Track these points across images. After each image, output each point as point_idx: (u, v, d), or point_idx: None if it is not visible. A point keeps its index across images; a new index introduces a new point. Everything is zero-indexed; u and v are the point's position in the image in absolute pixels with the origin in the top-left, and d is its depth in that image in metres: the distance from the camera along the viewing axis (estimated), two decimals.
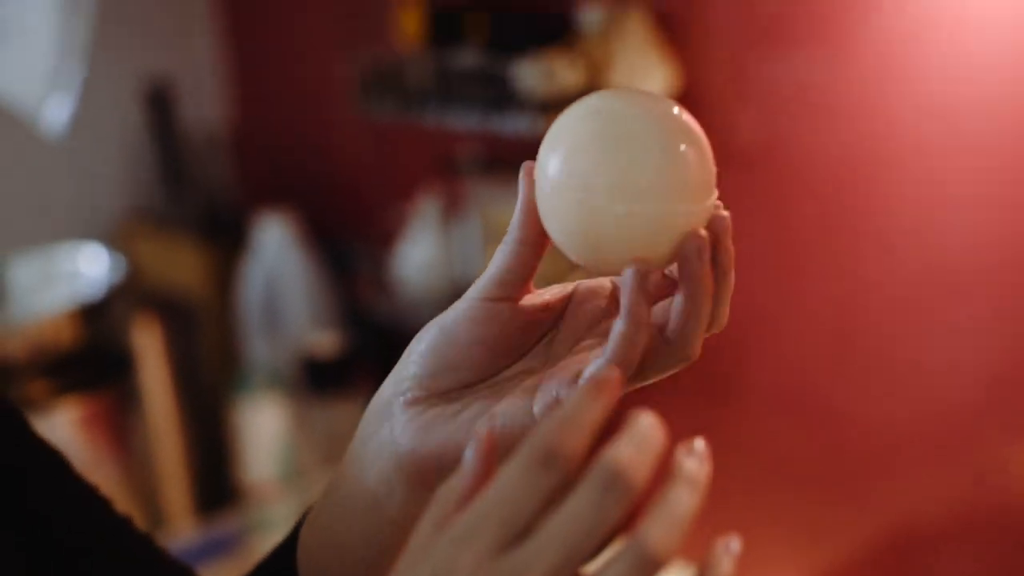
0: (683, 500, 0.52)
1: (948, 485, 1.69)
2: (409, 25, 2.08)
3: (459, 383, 0.66)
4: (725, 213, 0.63)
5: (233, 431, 2.46)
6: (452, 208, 2.19)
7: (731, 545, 0.55)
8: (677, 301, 0.62)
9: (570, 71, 1.78)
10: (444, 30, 2.05)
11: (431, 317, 0.68)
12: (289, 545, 0.77)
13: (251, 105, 2.85)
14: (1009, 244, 1.55)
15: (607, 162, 0.60)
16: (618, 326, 0.60)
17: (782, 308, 1.82)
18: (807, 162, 1.73)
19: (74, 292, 2.29)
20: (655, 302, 0.65)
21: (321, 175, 2.66)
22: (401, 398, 0.66)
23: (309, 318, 2.49)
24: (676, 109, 0.63)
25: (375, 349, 2.45)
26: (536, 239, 0.64)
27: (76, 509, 0.80)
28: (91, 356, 2.28)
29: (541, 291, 0.68)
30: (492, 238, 2.00)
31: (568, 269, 0.67)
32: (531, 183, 0.63)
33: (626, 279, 0.60)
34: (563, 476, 0.51)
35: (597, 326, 0.67)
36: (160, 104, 2.66)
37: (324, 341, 2.41)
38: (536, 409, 0.62)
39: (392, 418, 0.67)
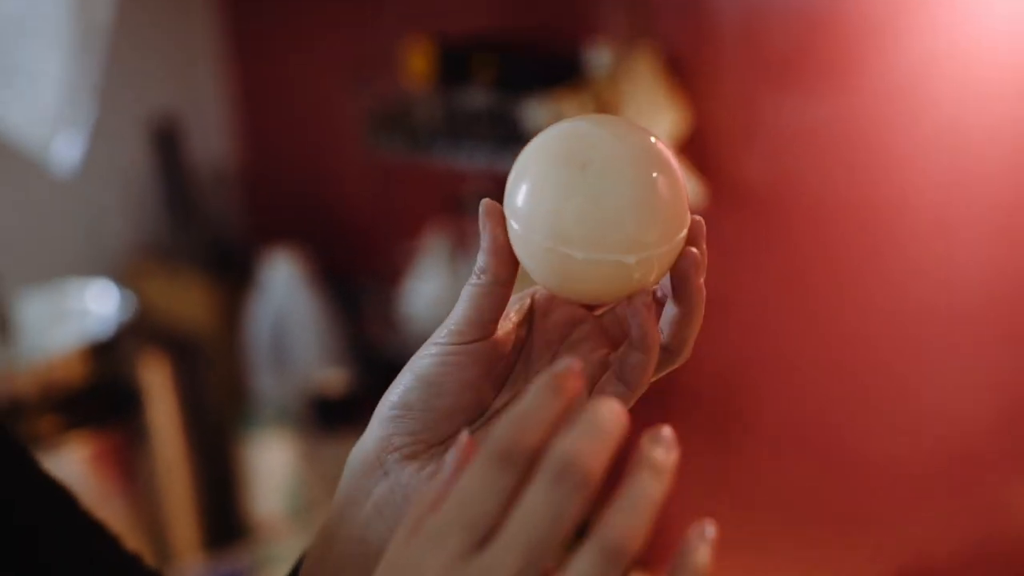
0: (647, 488, 0.51)
1: (960, 524, 1.69)
2: (418, 64, 2.09)
3: (455, 429, 0.65)
4: (694, 250, 0.63)
5: (241, 467, 2.46)
6: (460, 246, 2.20)
7: (706, 531, 0.53)
8: (670, 312, 0.65)
9: (579, 112, 1.79)
10: (452, 70, 2.06)
11: None
12: None
13: (259, 142, 2.86)
14: (1020, 280, 1.56)
15: (576, 211, 0.59)
16: (636, 357, 0.62)
17: (791, 347, 1.83)
18: (816, 201, 1.74)
19: (83, 329, 2.30)
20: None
21: (329, 212, 2.67)
22: (396, 454, 0.65)
23: (317, 355, 2.49)
24: (650, 138, 0.62)
25: (383, 386, 2.43)
26: (509, 276, 0.64)
27: (85, 547, 0.80)
28: (100, 393, 2.28)
29: (506, 313, 0.67)
30: None
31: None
32: (495, 220, 0.63)
33: (636, 312, 0.62)
34: (520, 474, 0.51)
35: (569, 335, 0.68)
36: (168, 141, 2.67)
37: (332, 378, 2.42)
38: None
39: (389, 476, 0.65)
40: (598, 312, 0.68)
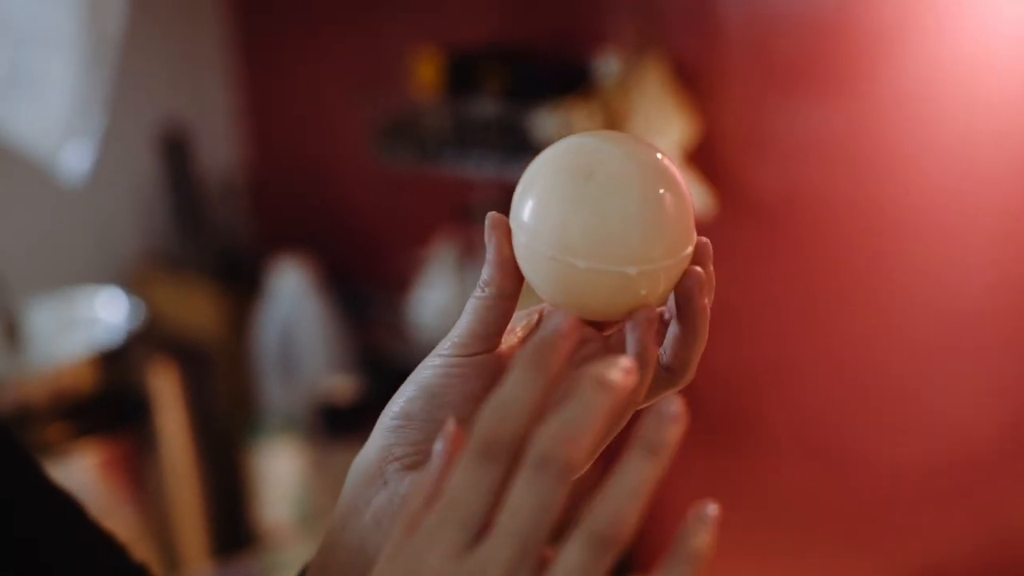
0: (638, 472, 0.50)
1: (968, 528, 1.69)
2: (426, 74, 2.10)
3: None
4: (698, 269, 0.63)
5: (249, 475, 2.46)
6: (467, 255, 2.20)
7: (707, 512, 0.51)
8: (674, 332, 0.64)
9: (588, 121, 1.80)
10: (461, 79, 2.07)
11: None
12: None
13: (267, 151, 2.87)
14: None
15: (582, 222, 0.59)
16: None
17: (800, 353, 1.83)
18: (824, 209, 1.74)
19: (92, 337, 2.30)
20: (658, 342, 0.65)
21: (337, 221, 2.68)
22: (397, 464, 0.64)
23: (325, 363, 2.50)
24: (657, 154, 0.62)
25: (390, 394, 2.44)
26: (514, 289, 0.64)
27: (91, 557, 0.80)
28: (109, 400, 2.29)
29: (512, 327, 0.67)
30: None
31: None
32: (501, 234, 0.63)
33: (636, 326, 0.61)
34: (506, 463, 0.51)
35: (575, 353, 0.66)
36: (177, 150, 2.68)
37: (340, 386, 2.42)
38: None
39: (389, 485, 0.64)
40: (606, 333, 0.68)
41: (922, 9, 1.56)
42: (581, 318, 0.66)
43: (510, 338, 0.66)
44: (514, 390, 0.51)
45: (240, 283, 2.65)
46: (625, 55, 1.83)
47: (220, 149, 2.85)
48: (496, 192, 2.10)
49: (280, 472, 2.40)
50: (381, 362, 2.46)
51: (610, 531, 0.49)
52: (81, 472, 2.22)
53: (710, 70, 1.81)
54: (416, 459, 0.64)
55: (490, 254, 0.64)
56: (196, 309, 2.62)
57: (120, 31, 2.03)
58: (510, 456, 0.51)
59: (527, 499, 0.50)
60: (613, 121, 1.80)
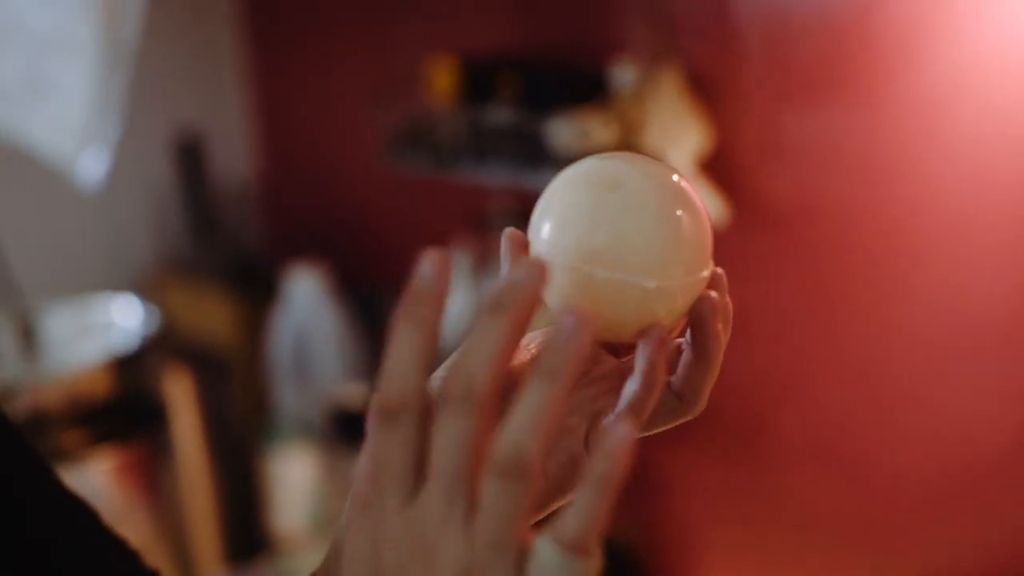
0: (537, 398, 0.50)
1: (986, 539, 1.69)
2: (442, 81, 2.10)
3: None
4: (713, 294, 0.63)
5: (264, 481, 2.47)
6: (482, 262, 2.20)
7: (615, 435, 0.50)
8: (687, 358, 0.64)
9: (604, 129, 1.80)
10: (477, 87, 2.07)
11: None
12: None
13: (282, 158, 2.87)
14: None
15: (599, 237, 0.59)
16: (631, 387, 0.60)
17: (816, 364, 1.83)
18: (839, 218, 1.74)
19: (107, 343, 2.31)
20: (671, 368, 0.65)
21: (352, 228, 2.68)
22: None
23: (339, 369, 2.50)
24: (675, 176, 0.62)
25: None
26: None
27: (103, 563, 0.80)
28: (124, 406, 2.29)
29: (524, 344, 0.67)
30: None
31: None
32: (518, 250, 0.63)
33: (648, 344, 0.60)
34: (414, 419, 0.52)
35: (587, 373, 0.66)
36: (191, 157, 2.69)
37: (354, 392, 2.43)
38: (553, 470, 0.63)
39: None
40: (623, 359, 0.67)
41: (938, 16, 1.56)
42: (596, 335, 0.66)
43: (522, 354, 0.66)
44: (397, 352, 0.53)
45: (255, 289, 2.65)
46: (641, 64, 1.83)
47: (235, 155, 2.86)
48: (511, 200, 2.10)
49: (294, 478, 2.40)
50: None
51: (512, 461, 0.49)
52: (96, 478, 2.22)
53: (725, 79, 1.81)
54: None
55: (505, 271, 0.64)
56: (211, 315, 2.63)
57: (135, 38, 2.04)
58: (408, 413, 0.52)
59: (441, 440, 0.51)
60: (629, 130, 1.80)
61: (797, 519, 1.91)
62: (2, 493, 0.74)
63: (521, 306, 0.51)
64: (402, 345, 0.53)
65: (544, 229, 0.62)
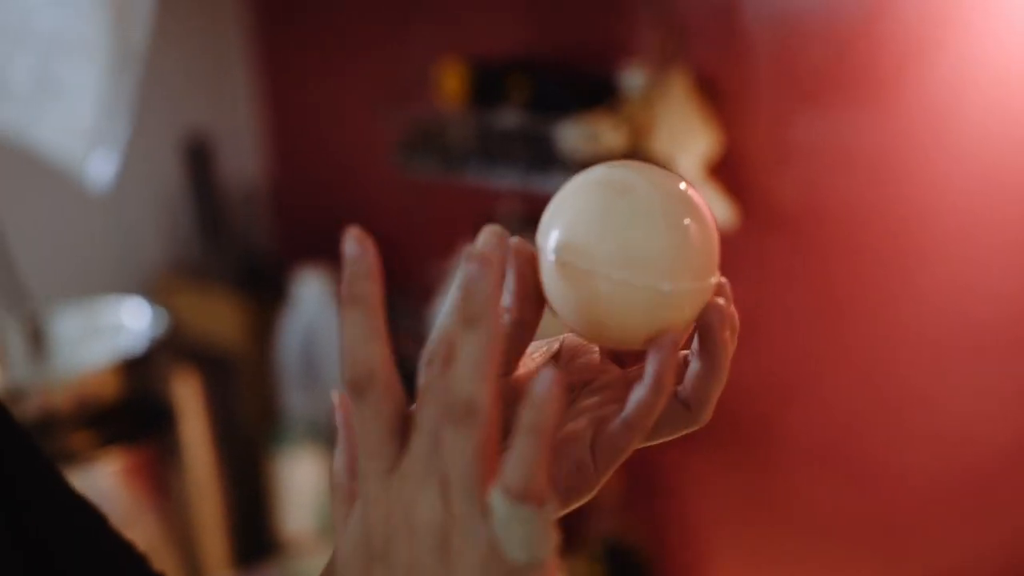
0: (468, 344, 0.53)
1: (987, 540, 1.69)
2: (451, 84, 2.10)
3: None
4: (721, 302, 0.62)
5: (272, 483, 2.47)
6: None
7: (542, 388, 0.51)
8: (695, 368, 0.63)
9: (613, 133, 1.80)
10: (486, 90, 2.07)
11: None
12: None
13: (290, 160, 2.87)
14: None
15: (610, 239, 0.60)
16: (639, 392, 0.60)
17: (824, 367, 1.83)
18: (848, 222, 1.74)
19: (116, 345, 2.31)
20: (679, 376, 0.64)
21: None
22: None
23: None
24: (683, 184, 0.62)
25: (412, 402, 2.45)
26: (533, 319, 0.64)
27: (109, 567, 0.80)
28: (132, 408, 2.29)
29: (530, 352, 0.67)
30: None
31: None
32: (524, 261, 0.63)
33: (659, 349, 0.59)
34: (377, 389, 0.55)
35: (592, 382, 0.66)
36: (200, 159, 2.69)
37: None
38: (561, 477, 0.62)
39: None
40: (629, 369, 0.67)
41: (948, 20, 1.56)
42: (601, 344, 0.67)
43: (528, 363, 0.66)
44: (348, 331, 0.55)
45: (263, 291, 2.66)
46: (650, 67, 1.83)
47: (243, 158, 2.86)
48: (520, 203, 2.10)
49: (302, 480, 2.41)
50: (404, 372, 2.45)
51: (462, 404, 0.52)
52: (104, 480, 2.22)
53: (734, 83, 1.81)
54: None
55: (511, 282, 0.63)
56: (219, 317, 2.63)
57: (145, 40, 2.04)
58: (380, 378, 0.55)
59: (424, 394, 0.55)
60: (638, 134, 1.80)
61: (803, 520, 1.90)
62: (8, 495, 0.74)
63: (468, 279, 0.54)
64: (352, 324, 0.55)
65: (553, 234, 0.61)
